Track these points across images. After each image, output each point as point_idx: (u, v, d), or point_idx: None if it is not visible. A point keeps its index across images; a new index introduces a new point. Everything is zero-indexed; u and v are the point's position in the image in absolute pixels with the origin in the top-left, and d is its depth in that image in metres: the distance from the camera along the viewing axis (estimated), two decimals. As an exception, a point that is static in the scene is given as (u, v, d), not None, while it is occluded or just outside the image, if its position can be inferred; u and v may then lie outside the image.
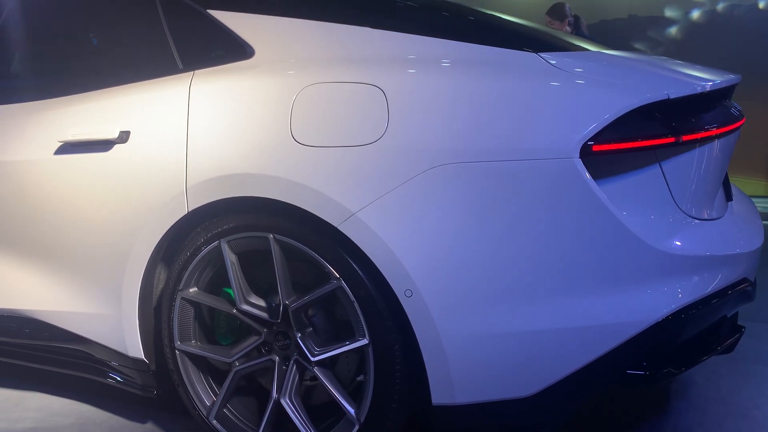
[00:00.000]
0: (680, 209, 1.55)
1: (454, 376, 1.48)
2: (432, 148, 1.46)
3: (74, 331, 2.01)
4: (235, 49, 1.78)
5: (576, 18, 4.62)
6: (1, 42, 2.28)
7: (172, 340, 1.81)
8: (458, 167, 1.44)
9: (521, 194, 1.43)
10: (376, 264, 1.50)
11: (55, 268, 1.99)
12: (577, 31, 4.50)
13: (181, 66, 1.83)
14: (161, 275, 1.85)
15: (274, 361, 1.73)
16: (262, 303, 1.73)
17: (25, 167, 1.96)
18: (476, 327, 1.46)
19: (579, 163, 1.40)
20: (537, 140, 1.43)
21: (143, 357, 1.88)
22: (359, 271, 1.54)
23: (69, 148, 1.87)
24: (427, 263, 1.46)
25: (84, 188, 1.85)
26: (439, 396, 1.52)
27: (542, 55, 1.57)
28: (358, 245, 1.51)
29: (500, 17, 2.08)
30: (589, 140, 1.40)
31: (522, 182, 1.43)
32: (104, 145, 1.80)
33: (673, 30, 5.85)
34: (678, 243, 1.50)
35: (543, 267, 1.45)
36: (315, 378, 1.69)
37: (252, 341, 1.75)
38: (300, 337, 1.67)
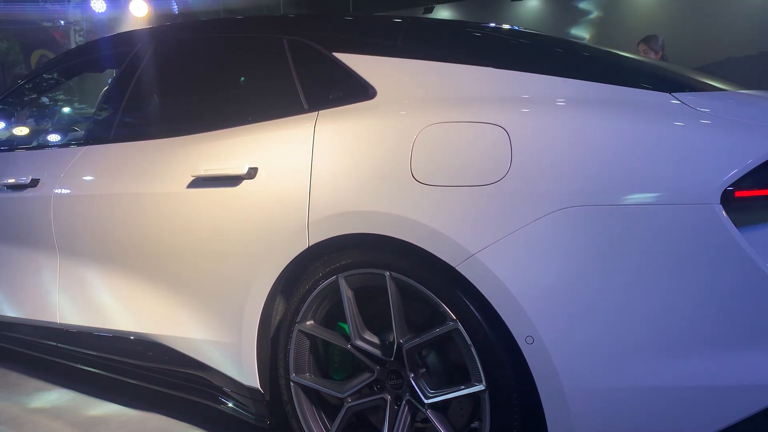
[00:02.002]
0: (835, 262, 1.40)
1: (577, 431, 1.41)
2: (558, 189, 1.41)
3: (194, 357, 2.09)
4: (358, 90, 1.83)
5: (663, 58, 4.45)
6: (141, 84, 2.47)
7: (287, 372, 1.85)
8: (586, 210, 1.39)
9: (654, 241, 1.36)
10: (496, 308, 1.46)
11: (181, 295, 2.09)
12: None
13: (306, 106, 1.90)
14: (280, 307, 1.90)
15: (386, 400, 1.71)
16: (375, 340, 1.73)
17: (159, 199, 2.09)
18: (603, 380, 1.38)
19: (720, 209, 1.31)
20: (672, 185, 1.35)
21: (259, 387, 1.93)
22: (477, 314, 1.51)
23: (201, 182, 1.98)
24: (550, 309, 1.41)
25: (212, 220, 1.95)
26: (559, 450, 1.44)
27: (676, 95, 1.50)
28: (477, 287, 1.48)
29: (626, 55, 2.01)
30: (731, 186, 1.31)
31: (655, 228, 1.35)
32: (233, 180, 1.89)
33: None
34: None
35: (677, 319, 1.35)
36: (427, 420, 1.66)
37: (365, 378, 1.75)
38: (413, 378, 1.65)
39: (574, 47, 2.01)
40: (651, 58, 4.13)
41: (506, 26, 2.41)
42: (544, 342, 1.40)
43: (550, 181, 1.43)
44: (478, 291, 1.48)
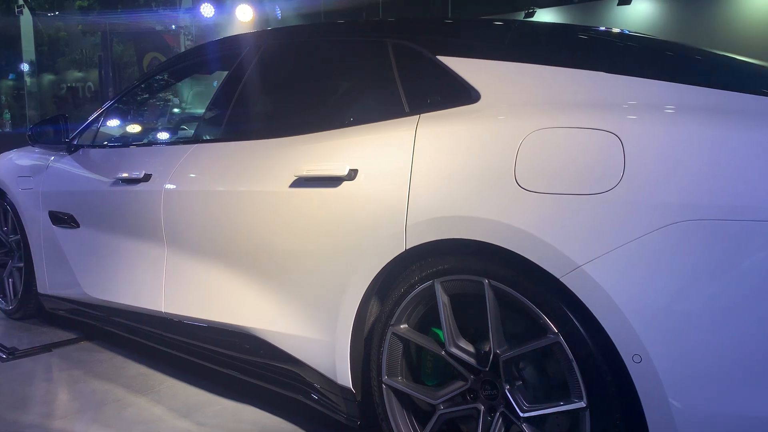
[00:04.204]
0: None
1: (686, 460, 1.32)
2: (674, 202, 1.33)
3: (289, 352, 2.13)
4: (461, 94, 1.81)
5: None
6: (248, 86, 2.55)
7: (380, 374, 1.85)
8: (704, 224, 1.30)
9: (780, 260, 1.25)
10: (601, 323, 1.39)
11: (279, 291, 2.14)
12: None
13: (407, 109, 1.90)
14: (374, 308, 1.90)
15: (479, 410, 1.68)
16: (470, 348, 1.70)
17: (263, 197, 2.15)
18: (717, 406, 1.29)
19: None
20: (804, 200, 1.25)
21: (351, 386, 1.94)
22: (580, 328, 1.45)
23: (302, 182, 2.02)
24: (660, 328, 1.33)
25: (312, 219, 1.98)
26: (665, 479, 1.36)
27: (809, 103, 1.39)
28: (582, 300, 1.42)
29: (746, 60, 1.88)
30: None
31: (782, 247, 1.25)
32: (334, 181, 1.92)
33: None
34: None
35: (804, 346, 1.25)
36: (521, 434, 1.61)
37: (458, 386, 1.72)
38: (508, 390, 1.61)
39: (687, 51, 1.89)
40: None
41: (615, 29, 2.32)
42: (653, 361, 1.33)
43: (666, 193, 1.35)
44: (583, 304, 1.42)
